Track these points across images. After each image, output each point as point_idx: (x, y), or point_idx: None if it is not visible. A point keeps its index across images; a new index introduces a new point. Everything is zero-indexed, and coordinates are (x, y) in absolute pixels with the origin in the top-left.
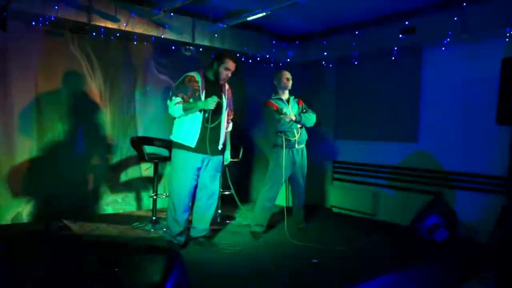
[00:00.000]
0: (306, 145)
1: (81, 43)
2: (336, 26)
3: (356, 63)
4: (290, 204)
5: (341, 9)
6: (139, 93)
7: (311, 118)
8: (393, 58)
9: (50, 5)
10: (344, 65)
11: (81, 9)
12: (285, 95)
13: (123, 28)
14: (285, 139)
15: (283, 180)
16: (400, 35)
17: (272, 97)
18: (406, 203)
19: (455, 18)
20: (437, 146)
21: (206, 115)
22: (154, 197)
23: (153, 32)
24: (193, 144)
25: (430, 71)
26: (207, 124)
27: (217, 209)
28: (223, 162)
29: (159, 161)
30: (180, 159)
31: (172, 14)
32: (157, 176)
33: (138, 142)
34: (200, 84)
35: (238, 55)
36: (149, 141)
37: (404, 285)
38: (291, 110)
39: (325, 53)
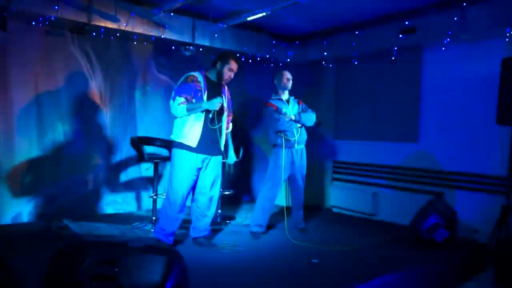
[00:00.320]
0: (306, 145)
1: (81, 43)
2: (336, 26)
3: (356, 63)
4: (290, 204)
5: (341, 9)
6: (139, 93)
7: (310, 118)
8: (393, 58)
9: (50, 5)
10: (344, 65)
11: (81, 9)
12: (285, 95)
13: (123, 28)
14: (285, 139)
15: (283, 180)
16: (400, 35)
17: (272, 97)
18: (406, 203)
19: (455, 18)
20: (437, 146)
21: (211, 115)
22: (154, 197)
23: (153, 32)
24: (194, 144)
25: (430, 71)
26: (211, 125)
27: (217, 209)
28: (225, 164)
29: (159, 161)
30: (180, 159)
31: (172, 14)
32: (157, 176)
33: (138, 142)
34: (202, 84)
35: (238, 55)
36: (149, 141)
37: (404, 285)
38: (291, 110)
39: (325, 53)
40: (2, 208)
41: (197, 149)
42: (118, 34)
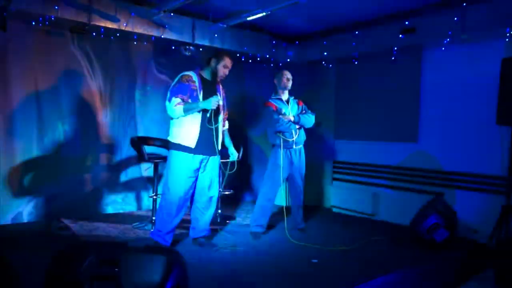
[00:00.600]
0: (306, 145)
1: (81, 43)
2: (336, 26)
3: (356, 63)
4: (290, 204)
5: (341, 9)
6: (139, 93)
7: (310, 119)
8: (393, 58)
9: (50, 5)
10: (344, 65)
11: (81, 9)
12: (285, 95)
13: (123, 28)
14: (283, 139)
15: (282, 180)
16: (400, 35)
17: (272, 97)
18: (406, 203)
19: (455, 18)
20: (437, 146)
21: (208, 115)
22: (154, 197)
23: (153, 32)
24: (193, 145)
25: (430, 71)
26: (209, 124)
27: (217, 209)
28: (228, 163)
29: (159, 161)
30: (178, 160)
31: (172, 14)
32: (157, 176)
33: (138, 142)
34: (197, 83)
35: (238, 55)
36: (149, 141)
37: (404, 285)
38: (290, 111)
39: (325, 53)
40: (2, 208)
41: (196, 150)
42: (118, 34)
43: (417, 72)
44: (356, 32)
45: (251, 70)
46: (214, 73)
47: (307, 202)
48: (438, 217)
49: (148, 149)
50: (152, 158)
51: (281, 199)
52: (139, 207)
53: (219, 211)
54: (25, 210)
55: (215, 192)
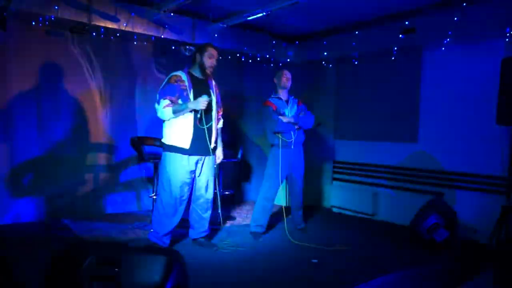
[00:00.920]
0: (305, 145)
1: (81, 43)
2: (336, 26)
3: (356, 63)
4: (289, 204)
5: (341, 9)
6: (139, 93)
7: (309, 121)
8: (393, 58)
9: (50, 5)
10: (344, 65)
11: (81, 9)
12: (285, 95)
13: (123, 28)
14: (282, 140)
15: (281, 180)
16: (400, 35)
17: (272, 96)
18: (406, 203)
19: (455, 18)
20: (437, 146)
21: (199, 115)
22: (154, 197)
23: (153, 32)
24: (187, 146)
25: (430, 71)
26: (200, 124)
27: (217, 209)
28: (215, 162)
29: (159, 161)
30: (173, 162)
31: (172, 14)
32: (157, 176)
33: (138, 142)
34: (187, 83)
35: (238, 55)
36: (149, 141)
37: (404, 285)
38: (289, 111)
39: (325, 53)
40: (2, 208)
41: (190, 151)
42: (118, 34)
43: (417, 72)
44: (356, 32)
45: (251, 70)
46: (203, 68)
47: (307, 202)
48: (438, 217)
49: (148, 149)
50: (152, 158)
51: (281, 199)
52: (139, 207)
53: (219, 211)
54: (25, 210)
55: (210, 195)
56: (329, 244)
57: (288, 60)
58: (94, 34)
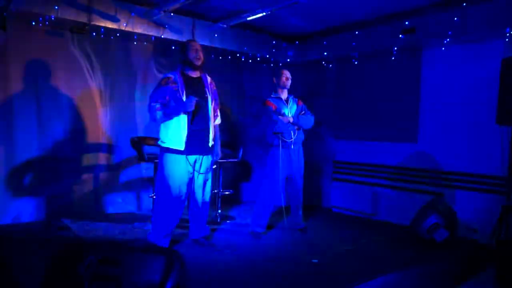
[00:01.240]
0: (305, 145)
1: (81, 43)
2: (336, 26)
3: (356, 63)
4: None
5: (341, 8)
6: (139, 93)
7: (309, 121)
8: (393, 58)
9: (50, 5)
10: (344, 65)
11: (81, 9)
12: (284, 94)
13: (123, 28)
14: (281, 140)
15: (280, 179)
16: (400, 35)
17: (272, 96)
18: (406, 203)
19: (455, 18)
20: (437, 146)
21: (190, 116)
22: (154, 197)
23: (153, 32)
24: (182, 147)
25: (430, 71)
26: (192, 125)
27: (217, 209)
28: (212, 161)
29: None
30: (170, 163)
31: (172, 14)
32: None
33: (138, 142)
34: (178, 84)
35: (238, 55)
36: (149, 141)
37: (404, 285)
38: (289, 110)
39: (325, 53)
40: (2, 208)
41: (186, 151)
42: (118, 34)
43: (417, 72)
44: (356, 32)
45: (251, 70)
46: (190, 63)
47: (307, 202)
48: (438, 217)
49: (148, 149)
50: (152, 158)
51: (280, 199)
52: (139, 207)
53: (219, 211)
54: (25, 210)
55: (206, 197)
56: (329, 244)
57: (288, 60)
58: (94, 34)
